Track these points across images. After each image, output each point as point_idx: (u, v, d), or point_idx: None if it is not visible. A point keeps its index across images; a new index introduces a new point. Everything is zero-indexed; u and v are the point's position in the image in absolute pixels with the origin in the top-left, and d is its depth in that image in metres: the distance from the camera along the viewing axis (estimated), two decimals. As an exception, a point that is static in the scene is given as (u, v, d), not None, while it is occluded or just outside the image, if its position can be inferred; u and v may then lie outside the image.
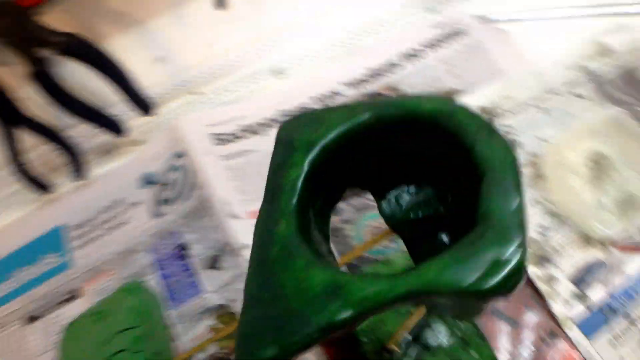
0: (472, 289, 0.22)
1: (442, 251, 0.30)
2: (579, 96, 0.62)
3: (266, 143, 0.60)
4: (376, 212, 0.54)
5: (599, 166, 0.58)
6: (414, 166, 0.30)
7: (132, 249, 0.54)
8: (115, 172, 0.59)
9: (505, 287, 0.22)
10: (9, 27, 0.42)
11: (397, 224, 0.31)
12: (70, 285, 0.53)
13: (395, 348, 0.44)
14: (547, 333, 0.51)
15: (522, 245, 0.22)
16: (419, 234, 0.31)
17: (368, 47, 0.66)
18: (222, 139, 0.59)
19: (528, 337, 0.50)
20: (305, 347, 0.23)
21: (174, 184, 0.57)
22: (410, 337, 0.44)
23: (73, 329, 0.45)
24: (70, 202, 0.57)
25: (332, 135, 0.28)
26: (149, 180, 0.58)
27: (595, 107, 0.61)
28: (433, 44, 0.66)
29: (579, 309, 0.51)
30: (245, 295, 0.25)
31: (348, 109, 0.28)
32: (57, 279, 0.53)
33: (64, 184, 0.58)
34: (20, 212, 0.57)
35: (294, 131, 0.28)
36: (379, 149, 0.29)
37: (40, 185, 0.55)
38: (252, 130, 0.60)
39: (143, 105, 0.54)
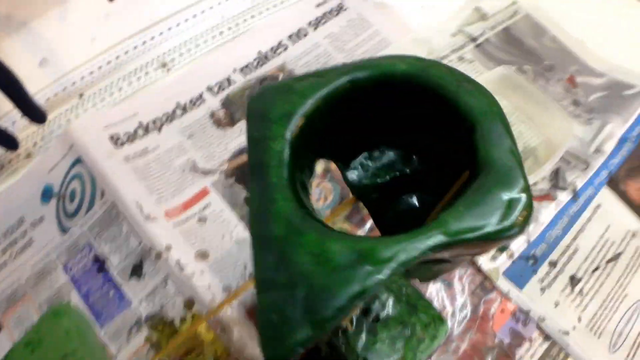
0: (496, 231, 0.22)
1: (409, 213, 0.31)
2: (466, 60, 0.66)
3: (166, 138, 0.57)
4: None
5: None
6: (381, 131, 0.30)
7: (42, 270, 0.49)
8: (9, 191, 0.53)
9: (523, 223, 0.23)
10: None
11: (362, 190, 0.31)
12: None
13: (348, 325, 0.43)
14: (478, 286, 0.53)
15: (526, 181, 0.23)
16: (384, 199, 0.30)
17: (256, 31, 0.65)
18: (122, 139, 0.55)
19: (463, 294, 0.53)
20: (338, 321, 0.22)
21: (74, 194, 0.52)
22: (358, 313, 0.44)
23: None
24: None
25: (309, 103, 0.27)
26: (48, 194, 0.52)
27: (483, 68, 0.65)
28: (319, 22, 0.67)
29: (502, 259, 0.54)
30: (257, 282, 0.23)
31: (319, 76, 0.27)
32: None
33: None
34: None
35: (266, 104, 0.27)
36: (352, 115, 0.29)
37: None
38: (150, 127, 0.57)
39: (37, 114, 0.49)
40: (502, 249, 0.55)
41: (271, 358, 0.22)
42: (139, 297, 0.48)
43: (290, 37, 0.65)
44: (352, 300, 0.21)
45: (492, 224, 0.22)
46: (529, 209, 0.23)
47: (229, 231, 0.53)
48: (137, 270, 0.49)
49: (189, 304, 0.48)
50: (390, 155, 0.31)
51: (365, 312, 0.45)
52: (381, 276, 0.21)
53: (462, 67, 0.65)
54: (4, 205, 0.52)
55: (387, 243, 0.22)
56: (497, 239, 0.23)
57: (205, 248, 0.51)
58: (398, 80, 0.27)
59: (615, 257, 0.57)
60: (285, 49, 0.64)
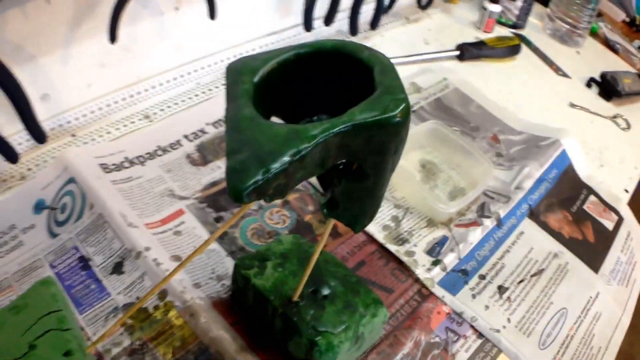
0: (385, 117, 0.33)
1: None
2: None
3: (149, 170, 0.66)
4: (254, 216, 0.62)
5: (428, 169, 0.73)
6: (317, 102, 0.40)
7: (31, 266, 0.55)
8: (4, 203, 0.59)
9: (404, 115, 0.33)
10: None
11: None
12: (-33, 305, 0.52)
13: (299, 300, 0.50)
14: (416, 293, 0.61)
15: (405, 94, 0.34)
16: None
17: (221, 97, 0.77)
18: (109, 168, 0.64)
19: (402, 299, 0.60)
20: (280, 172, 0.30)
21: (65, 207, 0.60)
22: (309, 290, 0.52)
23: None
24: (-42, 231, 0.57)
25: (268, 65, 0.37)
26: (40, 207, 0.60)
27: (416, 126, 0.77)
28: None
29: (436, 271, 0.63)
30: (226, 150, 0.32)
31: (278, 50, 0.38)
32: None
33: None
34: None
35: (240, 65, 0.37)
36: (297, 83, 0.39)
37: None
38: (135, 161, 0.66)
39: (38, 133, 0.58)
40: (436, 263, 0.63)
41: (233, 194, 0.30)
42: (117, 290, 0.54)
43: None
44: (291, 159, 0.31)
45: (382, 112, 0.33)
46: (406, 107, 0.34)
47: (199, 243, 0.60)
48: (118, 268, 0.56)
49: (162, 295, 0.54)
50: (323, 118, 0.41)
51: (315, 292, 0.52)
52: (306, 145, 0.31)
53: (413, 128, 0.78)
54: None
55: (313, 126, 0.32)
56: (387, 124, 0.33)
57: (179, 254, 0.58)
58: (328, 51, 0.39)
59: (539, 272, 0.66)
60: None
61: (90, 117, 0.69)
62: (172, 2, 0.69)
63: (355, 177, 0.38)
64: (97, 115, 0.69)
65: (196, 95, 0.76)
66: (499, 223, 0.68)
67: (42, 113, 0.63)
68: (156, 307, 0.54)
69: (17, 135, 0.63)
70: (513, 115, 0.82)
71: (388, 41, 0.94)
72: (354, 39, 0.91)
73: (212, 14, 0.67)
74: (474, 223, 0.67)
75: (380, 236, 0.64)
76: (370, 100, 0.34)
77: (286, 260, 0.55)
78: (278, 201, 0.68)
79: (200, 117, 0.74)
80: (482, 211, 0.69)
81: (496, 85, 0.87)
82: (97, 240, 0.58)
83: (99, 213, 0.59)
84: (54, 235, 0.58)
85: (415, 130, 0.75)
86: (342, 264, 0.56)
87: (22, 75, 0.57)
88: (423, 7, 1.01)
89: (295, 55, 0.39)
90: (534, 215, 0.71)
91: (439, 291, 0.61)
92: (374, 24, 0.90)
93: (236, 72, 0.38)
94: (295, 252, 0.56)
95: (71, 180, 0.61)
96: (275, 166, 0.31)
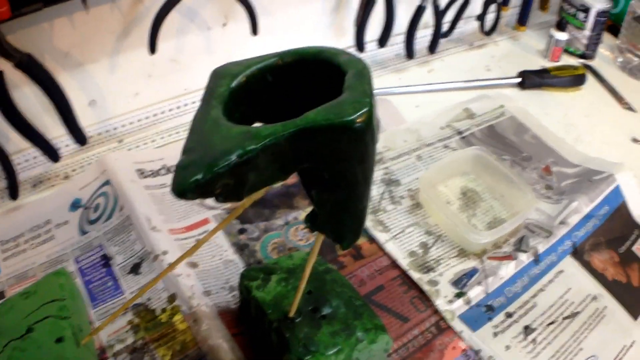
0: (341, 119, 0.31)
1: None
2: (450, 147, 0.76)
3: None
4: (278, 231, 0.61)
5: (468, 197, 0.70)
6: (305, 105, 0.40)
7: (57, 259, 0.59)
8: (45, 199, 0.64)
9: (364, 119, 0.32)
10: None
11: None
12: (-8, 289, 0.56)
13: (295, 315, 0.50)
14: (433, 325, 0.58)
15: (370, 99, 0.32)
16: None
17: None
18: (146, 173, 0.66)
19: (416, 329, 0.57)
20: (224, 172, 0.31)
21: (98, 207, 0.63)
22: (309, 308, 0.51)
23: (2, 307, 0.48)
24: (0, 221, 0.62)
25: (250, 69, 0.38)
26: (76, 205, 0.63)
27: (459, 151, 0.75)
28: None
29: (459, 304, 0.59)
30: (183, 149, 0.32)
31: (262, 56, 0.39)
32: (-18, 284, 0.56)
33: None
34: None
35: (223, 69, 0.38)
36: (278, 89, 0.39)
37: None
38: (171, 170, 0.68)
39: (79, 135, 0.62)
40: (459, 295, 0.60)
41: (175, 191, 0.31)
42: (131, 290, 0.56)
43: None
44: (238, 159, 0.31)
45: (337, 116, 0.31)
46: (367, 113, 0.32)
47: (220, 253, 0.61)
48: (135, 269, 0.58)
49: (172, 298, 0.56)
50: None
51: (314, 310, 0.51)
52: (254, 146, 0.31)
53: (445, 152, 0.75)
54: (36, 209, 0.64)
55: (266, 127, 0.32)
56: (343, 128, 0.32)
57: (197, 261, 0.59)
58: (311, 57, 0.38)
59: (573, 315, 0.60)
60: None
61: (136, 125, 0.72)
62: (219, 18, 0.72)
63: (325, 187, 0.37)
64: (143, 124, 0.73)
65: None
66: (537, 259, 0.63)
67: (89, 118, 0.67)
68: (163, 310, 0.55)
69: (64, 137, 0.67)
70: (570, 147, 0.77)
71: (448, 66, 0.93)
72: (411, 62, 0.91)
73: (254, 29, 0.68)
74: (508, 257, 0.63)
75: (404, 262, 0.62)
76: (331, 104, 0.33)
77: (291, 276, 0.54)
78: (304, 217, 0.67)
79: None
80: (520, 245, 0.65)
81: (556, 115, 0.82)
82: (121, 240, 0.61)
83: (127, 215, 0.62)
84: (83, 232, 0.62)
85: (458, 156, 0.72)
86: (350, 286, 0.54)
87: (71, 81, 0.62)
88: (487, 34, 0.98)
89: (278, 62, 0.39)
90: (577, 253, 0.65)
91: (458, 325, 0.58)
92: (432, 48, 0.88)
93: (217, 76, 0.38)
94: (302, 269, 0.55)
95: (107, 183, 0.65)
96: (218, 166, 0.31)
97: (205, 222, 0.64)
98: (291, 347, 0.48)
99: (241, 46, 0.77)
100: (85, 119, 0.63)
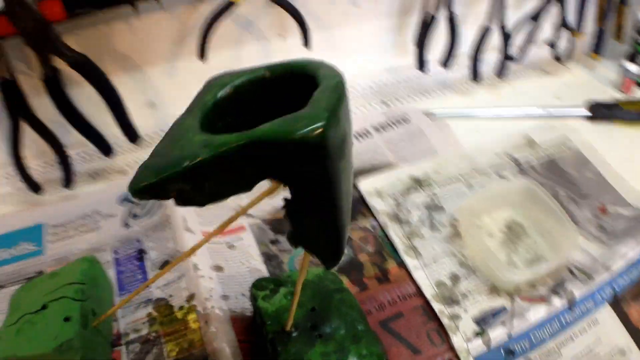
0: (288, 134, 0.31)
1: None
2: (502, 177, 0.73)
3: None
4: None
5: (513, 231, 0.67)
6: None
7: (97, 248, 0.64)
8: (98, 191, 0.70)
9: (315, 136, 0.31)
10: (33, 31, 0.55)
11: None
12: (37, 268, 0.62)
13: (292, 330, 0.50)
14: (445, 360, 0.56)
15: (329, 115, 0.32)
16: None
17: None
18: (193, 175, 0.70)
19: (428, 361, 0.56)
20: (173, 178, 0.32)
21: (144, 203, 0.67)
22: (309, 325, 0.51)
23: (29, 284, 0.53)
24: (54, 207, 0.68)
25: (240, 80, 0.40)
26: (125, 199, 0.68)
27: (509, 182, 0.72)
28: (381, 127, 0.79)
29: (477, 344, 0.57)
30: (151, 153, 0.35)
31: (253, 68, 0.40)
32: (28, 262, 0.62)
33: (52, 191, 0.70)
34: (12, 208, 0.68)
35: (217, 78, 0.40)
36: (266, 101, 0.40)
37: (33, 184, 0.66)
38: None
39: (131, 133, 0.66)
40: (479, 334, 0.57)
41: (130, 189, 0.34)
42: (157, 285, 0.60)
43: (355, 134, 0.78)
44: (188, 165, 0.32)
45: (287, 131, 0.31)
46: (318, 130, 0.31)
47: (248, 260, 0.63)
48: (164, 266, 0.61)
49: (190, 298, 0.58)
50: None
51: (314, 327, 0.51)
52: (207, 154, 0.32)
53: (498, 182, 0.72)
54: (89, 199, 0.69)
55: (222, 137, 0.33)
56: (291, 143, 0.31)
57: (223, 265, 0.62)
58: (297, 70, 0.39)
59: (597, 371, 0.56)
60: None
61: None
62: (276, 29, 0.74)
63: (293, 204, 0.38)
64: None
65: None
66: (571, 305, 0.59)
67: (148, 119, 0.72)
68: (181, 307, 0.58)
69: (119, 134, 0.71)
70: (632, 188, 0.70)
71: (516, 92, 0.89)
72: (477, 86, 0.89)
73: (306, 42, 0.70)
74: (541, 299, 0.59)
75: (429, 291, 0.60)
76: (286, 118, 0.33)
77: (301, 291, 0.55)
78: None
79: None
80: (555, 287, 0.61)
81: (623, 152, 0.76)
82: (157, 237, 0.64)
83: (168, 214, 0.65)
84: (126, 226, 0.66)
85: (508, 187, 0.69)
86: (358, 309, 0.54)
87: (130, 82, 0.66)
88: (559, 60, 0.92)
89: (266, 74, 0.40)
90: (616, 302, 0.60)
91: (472, 366, 0.55)
92: (500, 72, 0.85)
93: (208, 85, 0.41)
94: (313, 285, 0.55)
95: (155, 181, 0.69)
96: (167, 172, 0.33)
97: (241, 229, 0.66)
98: (280, 361, 0.49)
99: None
100: (144, 120, 0.68)
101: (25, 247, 0.64)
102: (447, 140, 0.77)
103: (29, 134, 0.63)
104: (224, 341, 0.54)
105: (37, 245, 0.64)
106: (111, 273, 0.61)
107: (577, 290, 0.60)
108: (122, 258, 0.63)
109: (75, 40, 0.62)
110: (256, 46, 0.74)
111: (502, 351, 0.57)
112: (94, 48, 0.63)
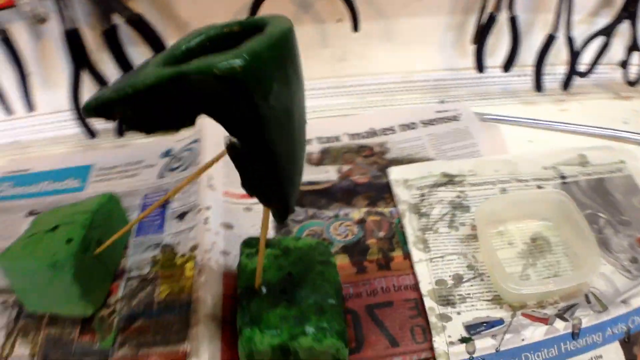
0: (209, 69, 0.32)
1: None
2: (542, 188, 0.68)
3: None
4: (322, 221, 0.65)
5: (536, 245, 0.62)
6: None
7: (131, 192, 0.70)
8: (146, 143, 0.76)
9: (230, 71, 0.32)
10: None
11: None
12: (73, 202, 0.68)
13: (262, 289, 0.51)
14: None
15: (250, 53, 0.33)
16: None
17: (378, 113, 0.80)
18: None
19: (401, 358, 0.54)
20: (115, 101, 0.35)
21: (182, 159, 0.72)
22: (280, 288, 0.52)
23: (53, 210, 0.59)
24: (105, 152, 0.76)
25: (213, 31, 0.41)
26: (167, 153, 0.73)
27: (538, 191, 0.68)
28: (428, 122, 0.78)
29: (459, 350, 0.54)
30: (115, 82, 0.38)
31: (227, 23, 0.42)
32: (67, 196, 0.70)
33: (105, 138, 0.78)
34: (68, 148, 0.76)
35: (196, 30, 0.42)
36: None
37: (89, 130, 0.73)
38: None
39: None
40: (465, 341, 0.54)
41: (82, 108, 0.37)
42: (169, 232, 0.64)
43: (401, 125, 0.77)
44: (129, 91, 0.34)
45: (208, 67, 0.32)
46: (242, 67, 0.32)
47: (259, 224, 0.65)
48: (182, 216, 0.65)
49: (194, 247, 0.61)
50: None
51: (283, 291, 0.52)
52: (142, 83, 0.34)
53: (532, 190, 0.68)
54: (136, 149, 0.76)
55: (160, 70, 0.35)
56: (209, 75, 0.32)
57: (234, 224, 0.64)
58: (261, 23, 0.39)
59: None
60: (393, 132, 0.76)
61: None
62: (334, 14, 0.75)
63: (232, 147, 0.38)
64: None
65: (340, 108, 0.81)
66: (575, 333, 0.54)
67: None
68: (183, 255, 0.61)
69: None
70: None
71: (583, 109, 0.82)
72: (544, 97, 0.84)
73: (355, 27, 0.70)
74: (543, 319, 0.55)
75: (426, 287, 0.58)
76: (215, 54, 0.34)
77: (285, 255, 0.55)
78: (355, 216, 0.67)
79: (340, 127, 0.79)
80: (564, 310, 0.56)
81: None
82: (184, 190, 0.68)
83: (198, 169, 0.69)
84: (161, 176, 0.71)
85: (539, 197, 0.64)
86: (336, 284, 0.54)
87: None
88: (631, 84, 0.83)
89: (235, 28, 0.41)
90: (628, 343, 0.53)
91: (450, 372, 0.53)
92: (566, 85, 0.79)
93: (188, 34, 0.42)
94: (300, 252, 0.56)
95: (196, 140, 0.73)
96: (110, 96, 0.35)
97: (262, 196, 0.69)
98: (239, 315, 0.50)
99: (360, 48, 0.79)
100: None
101: (70, 183, 0.71)
102: (493, 144, 0.74)
103: (88, 84, 0.70)
104: (209, 292, 0.57)
105: (81, 182, 0.71)
106: (134, 216, 0.66)
107: (587, 318, 0.55)
108: (149, 204, 0.68)
109: (141, 2, 0.68)
110: (315, 29, 0.76)
111: (482, 363, 0.53)
112: (156, 10, 0.69)
